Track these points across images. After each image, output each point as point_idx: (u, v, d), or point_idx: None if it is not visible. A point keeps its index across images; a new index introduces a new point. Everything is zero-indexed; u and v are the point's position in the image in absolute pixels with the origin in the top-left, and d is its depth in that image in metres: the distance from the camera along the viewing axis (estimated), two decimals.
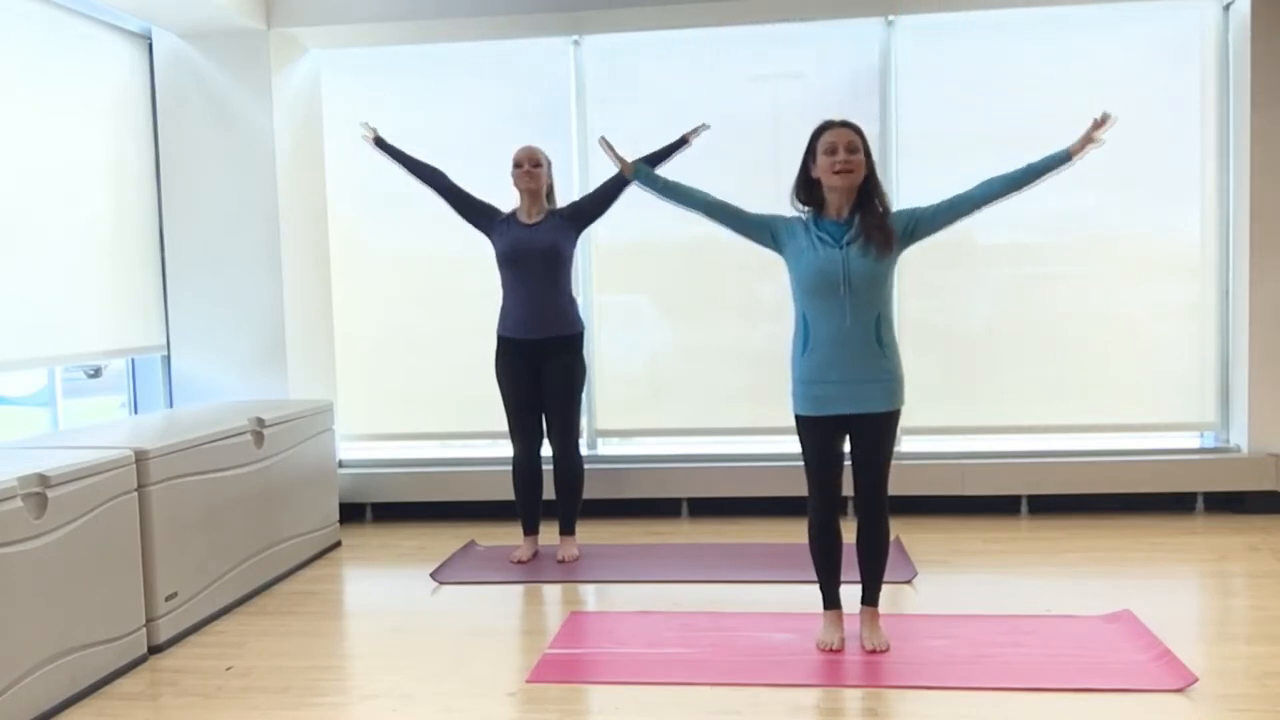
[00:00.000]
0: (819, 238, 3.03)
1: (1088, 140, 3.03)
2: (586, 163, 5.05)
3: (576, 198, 4.47)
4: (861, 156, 3.01)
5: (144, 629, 3.27)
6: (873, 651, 3.10)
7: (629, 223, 5.08)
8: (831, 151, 2.99)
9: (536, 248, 4.08)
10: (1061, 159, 3.04)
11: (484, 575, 4.09)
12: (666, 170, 3.68)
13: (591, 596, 3.83)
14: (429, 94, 5.15)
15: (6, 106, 3.87)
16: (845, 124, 3.05)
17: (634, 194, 5.02)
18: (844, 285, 2.99)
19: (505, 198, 4.24)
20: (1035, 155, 3.07)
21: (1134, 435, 4.96)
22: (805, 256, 3.03)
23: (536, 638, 3.37)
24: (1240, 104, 4.69)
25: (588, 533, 4.65)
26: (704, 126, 4.14)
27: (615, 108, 5.06)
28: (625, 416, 5.20)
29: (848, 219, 3.04)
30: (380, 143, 4.26)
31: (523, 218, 4.15)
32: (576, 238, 4.21)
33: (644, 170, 3.46)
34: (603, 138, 3.62)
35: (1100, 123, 3.02)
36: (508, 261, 4.13)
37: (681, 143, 4.13)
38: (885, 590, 3.46)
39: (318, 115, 5.11)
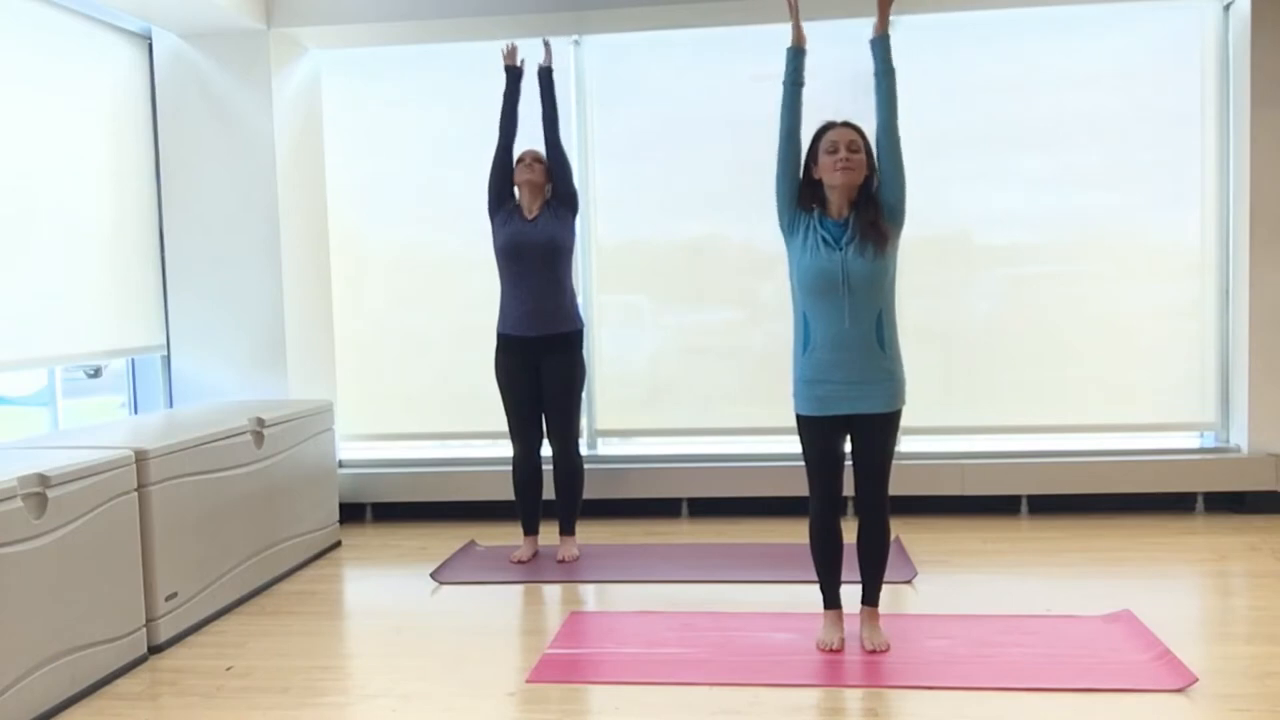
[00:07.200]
0: (821, 238, 3.03)
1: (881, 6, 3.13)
2: (587, 163, 5.04)
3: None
4: (863, 155, 3.02)
5: (144, 629, 3.27)
6: (873, 651, 3.10)
7: (629, 222, 5.08)
8: (833, 150, 3.01)
9: (536, 241, 4.08)
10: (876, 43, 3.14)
11: (484, 575, 4.10)
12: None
13: (591, 596, 3.83)
14: (429, 94, 5.15)
15: (6, 106, 3.87)
16: (846, 124, 3.08)
17: (634, 194, 5.05)
18: (843, 286, 2.99)
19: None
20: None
21: (1134, 435, 4.96)
22: (806, 256, 3.04)
23: (536, 638, 3.37)
24: (1240, 104, 4.69)
25: (588, 533, 4.66)
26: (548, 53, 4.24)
27: (615, 108, 5.06)
28: (625, 416, 5.20)
29: (847, 218, 3.05)
30: (547, 74, 4.22)
31: (524, 211, 4.16)
32: (574, 224, 4.20)
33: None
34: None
35: None
36: (507, 254, 4.13)
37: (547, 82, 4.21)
38: (885, 590, 3.47)
39: (318, 115, 5.11)
